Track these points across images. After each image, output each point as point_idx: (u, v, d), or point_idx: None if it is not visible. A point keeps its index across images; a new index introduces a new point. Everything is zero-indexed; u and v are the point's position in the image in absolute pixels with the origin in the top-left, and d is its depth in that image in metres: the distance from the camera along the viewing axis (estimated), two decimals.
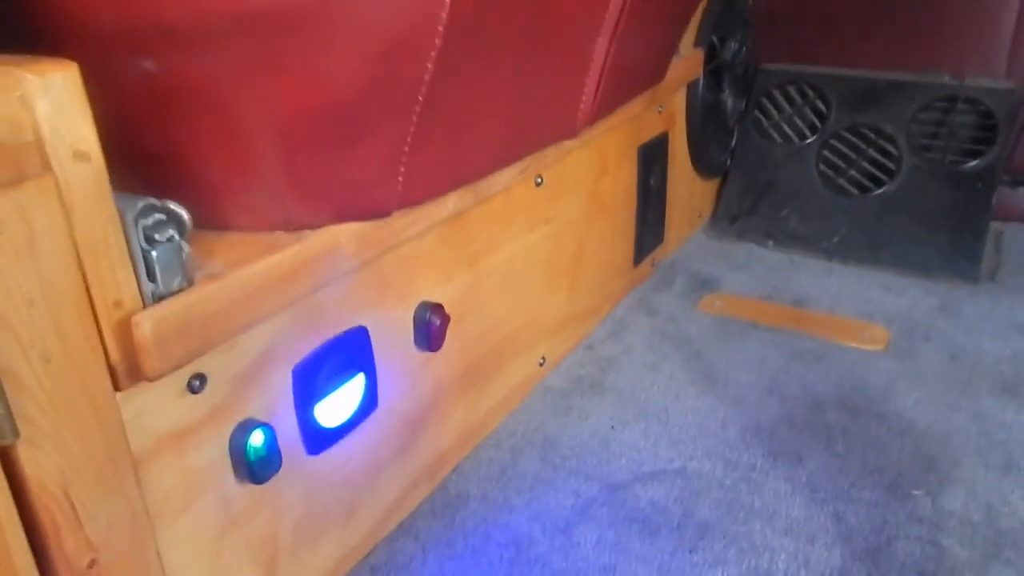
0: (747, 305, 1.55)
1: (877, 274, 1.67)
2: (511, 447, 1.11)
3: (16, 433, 0.50)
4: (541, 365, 1.26)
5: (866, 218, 1.77)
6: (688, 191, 1.82)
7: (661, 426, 1.16)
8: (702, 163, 1.82)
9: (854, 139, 1.83)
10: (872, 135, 1.81)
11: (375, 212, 0.75)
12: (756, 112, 1.92)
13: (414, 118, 0.71)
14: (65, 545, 0.55)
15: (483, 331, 1.08)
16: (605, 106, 1.15)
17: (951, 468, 1.06)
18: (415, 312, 0.92)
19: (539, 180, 1.13)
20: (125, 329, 0.55)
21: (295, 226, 0.70)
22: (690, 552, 0.93)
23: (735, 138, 1.95)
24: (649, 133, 1.52)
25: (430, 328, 0.91)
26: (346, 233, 0.72)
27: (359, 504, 0.89)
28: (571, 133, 1.10)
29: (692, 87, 1.69)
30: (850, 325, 1.46)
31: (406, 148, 0.73)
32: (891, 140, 1.79)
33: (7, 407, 0.49)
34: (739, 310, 1.52)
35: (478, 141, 0.87)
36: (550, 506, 1.00)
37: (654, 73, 1.36)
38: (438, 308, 0.92)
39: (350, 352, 0.82)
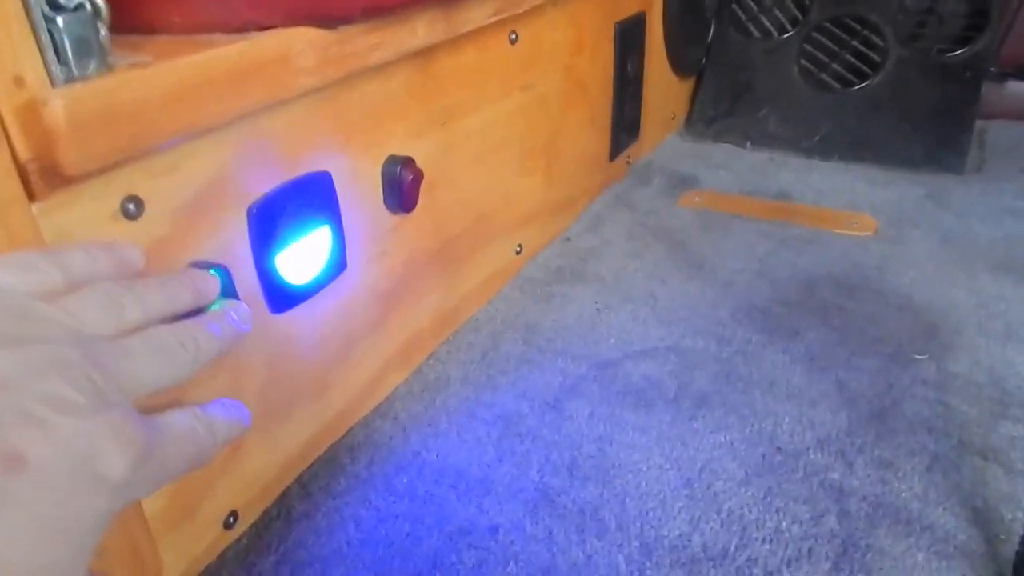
0: (729, 200, 1.49)
1: (861, 169, 1.61)
2: (491, 332, 1.04)
3: None
4: (518, 254, 1.19)
5: (849, 115, 1.71)
6: (664, 89, 1.73)
7: (649, 309, 1.09)
8: (677, 58, 1.73)
9: (837, 31, 1.75)
10: (857, 26, 1.74)
11: (336, 13, 0.65)
12: (733, 5, 1.83)
13: None
14: None
15: (458, 204, 0.99)
16: None
17: (953, 336, 1.01)
18: (383, 167, 0.83)
19: (513, 36, 1.04)
20: (32, 114, 0.46)
21: (239, 26, 0.60)
22: (690, 420, 0.87)
23: (711, 33, 1.86)
24: (627, 9, 1.43)
25: (402, 184, 0.83)
26: (303, 39, 0.63)
27: (331, 378, 0.81)
28: None
29: None
30: (837, 215, 1.41)
31: None
32: (877, 31, 1.71)
33: None
34: (721, 204, 1.46)
35: None
36: (537, 384, 0.93)
37: None
38: (410, 162, 0.84)
39: (313, 199, 0.73)
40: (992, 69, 1.73)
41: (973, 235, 1.29)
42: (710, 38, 1.86)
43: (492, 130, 1.04)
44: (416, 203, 0.86)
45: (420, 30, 0.79)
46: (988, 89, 1.79)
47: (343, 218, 0.77)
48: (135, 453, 0.32)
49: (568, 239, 1.31)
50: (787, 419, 0.86)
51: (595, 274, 1.19)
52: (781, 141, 1.74)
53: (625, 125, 1.52)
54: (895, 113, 1.67)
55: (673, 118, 1.85)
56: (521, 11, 1.01)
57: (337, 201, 0.76)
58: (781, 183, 1.55)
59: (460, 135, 0.97)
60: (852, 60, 1.73)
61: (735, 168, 1.64)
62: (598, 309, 1.09)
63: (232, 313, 0.48)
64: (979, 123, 1.77)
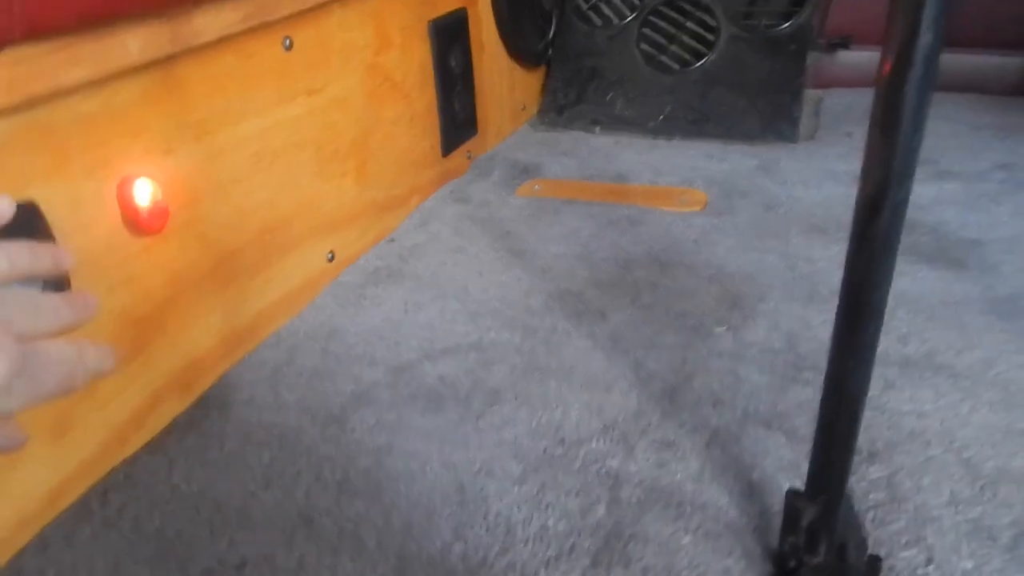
0: (567, 186, 1.47)
1: (701, 145, 1.61)
2: (290, 346, 0.99)
3: None
4: (331, 261, 1.14)
5: (690, 93, 1.71)
6: (507, 82, 1.71)
7: (460, 303, 1.06)
8: (518, 50, 1.71)
9: (673, 14, 1.76)
10: (690, 7, 1.75)
11: None
12: None
13: None
14: None
15: (234, 216, 0.94)
16: None
17: (756, 303, 1.01)
18: (119, 188, 0.78)
19: (287, 42, 1.00)
20: None
21: None
22: (477, 419, 0.83)
23: (553, 24, 1.85)
24: (443, 7, 1.40)
25: (137, 205, 0.77)
26: None
27: (72, 419, 0.75)
28: None
29: None
30: (670, 192, 1.40)
31: None
32: (709, 11, 1.73)
33: None
34: (558, 191, 1.44)
35: None
36: (326, 396, 0.89)
37: None
38: (148, 184, 0.78)
39: (11, 234, 0.67)
40: (821, 41, 1.76)
41: (794, 200, 1.30)
42: (553, 29, 1.85)
43: (272, 137, 0.99)
44: (163, 224, 0.81)
45: (133, 45, 0.74)
46: (822, 60, 1.82)
47: (63, 246, 0.72)
48: (10, 361, 0.35)
49: (393, 239, 1.27)
50: (576, 407, 0.84)
51: (412, 273, 1.15)
52: (628, 123, 1.73)
53: (457, 120, 1.49)
54: (731, 89, 1.68)
55: (524, 109, 1.83)
56: (284, 16, 0.96)
57: (49, 232, 0.70)
58: (621, 165, 1.54)
59: (226, 145, 0.91)
60: (688, 41, 1.74)
61: (579, 154, 1.62)
62: (406, 310, 1.05)
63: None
64: (817, 92, 1.80)
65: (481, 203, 1.39)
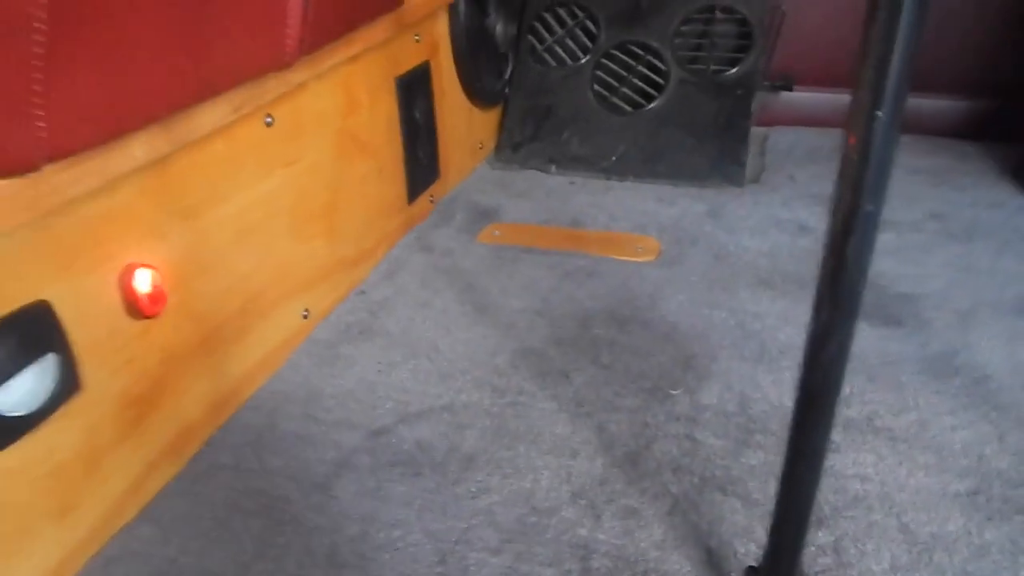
0: (526, 231, 1.53)
1: (652, 187, 1.70)
2: (270, 409, 1.04)
3: None
4: (305, 318, 1.19)
5: (642, 134, 1.79)
6: (465, 122, 1.77)
7: (430, 362, 1.12)
8: (476, 92, 1.77)
9: (624, 57, 1.84)
10: (640, 51, 1.83)
11: (12, 166, 0.64)
12: (529, 36, 1.89)
13: (37, 47, 0.61)
14: None
15: (221, 292, 0.98)
16: (322, 31, 1.06)
17: (709, 363, 1.09)
18: (120, 277, 0.82)
19: (269, 119, 1.04)
20: None
21: None
22: (453, 485, 0.90)
23: (510, 64, 1.91)
24: (408, 63, 1.45)
25: (137, 294, 0.82)
26: None
27: (76, 498, 0.79)
28: (282, 62, 1.00)
29: (453, 14, 1.63)
30: (624, 239, 1.48)
31: (37, 86, 0.62)
32: (658, 55, 1.81)
33: None
34: (517, 237, 1.50)
35: (142, 68, 0.76)
36: (309, 462, 0.94)
37: None
38: (148, 270, 0.83)
39: (28, 331, 0.71)
40: (766, 84, 1.87)
41: (741, 250, 1.39)
42: (509, 70, 1.91)
43: (252, 211, 1.03)
44: (160, 307, 0.85)
45: (137, 151, 0.78)
46: (767, 99, 1.93)
47: (73, 338, 0.76)
48: None
49: (363, 291, 1.32)
50: (546, 474, 0.91)
51: (383, 329, 1.21)
52: (583, 162, 1.80)
53: (422, 167, 1.54)
54: (680, 131, 1.76)
55: (481, 147, 1.89)
56: (270, 99, 1.01)
57: (59, 327, 0.74)
58: (576, 209, 1.61)
59: (212, 225, 0.96)
60: (639, 84, 1.82)
61: (536, 196, 1.69)
62: (380, 370, 1.11)
63: None
64: (763, 129, 1.91)
65: (445, 251, 1.44)
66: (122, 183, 0.80)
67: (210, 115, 0.89)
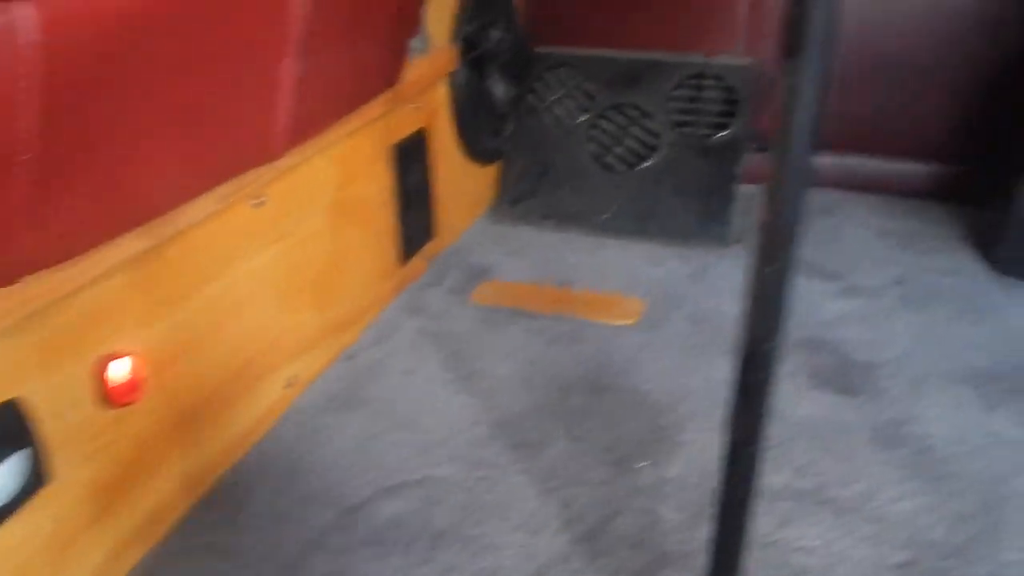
0: (517, 291, 1.57)
1: (642, 246, 1.73)
2: (248, 485, 1.08)
3: None
4: (288, 388, 1.23)
5: (634, 193, 1.84)
6: (461, 181, 1.81)
7: (410, 435, 1.16)
8: (474, 151, 1.83)
9: (619, 118, 1.90)
10: (635, 113, 1.88)
11: None
12: (530, 95, 1.96)
13: (23, 177, 0.66)
14: None
15: (204, 370, 1.03)
16: (311, 124, 1.11)
17: (677, 434, 1.12)
18: (95, 368, 0.87)
19: (260, 201, 1.09)
20: None
21: None
22: (421, 565, 0.93)
23: (510, 123, 1.97)
24: (404, 131, 1.50)
25: (116, 384, 0.87)
26: None
27: None
28: (271, 156, 1.06)
29: (454, 80, 1.69)
30: (609, 301, 1.51)
31: (21, 208, 0.68)
32: (651, 117, 1.87)
33: None
34: (508, 298, 1.54)
35: (132, 181, 0.82)
36: (280, 542, 0.98)
37: (376, 80, 1.34)
38: (126, 360, 0.88)
39: None
40: (753, 145, 1.91)
41: (720, 315, 1.42)
42: (508, 128, 1.97)
43: (240, 287, 1.08)
44: (137, 395, 0.90)
45: (129, 247, 0.83)
46: (755, 159, 1.96)
47: (45, 430, 0.80)
48: None
49: (351, 357, 1.36)
50: (511, 552, 0.94)
51: (368, 398, 1.25)
52: (577, 219, 1.85)
53: (414, 229, 1.59)
54: (671, 191, 1.81)
55: (479, 204, 1.94)
56: (261, 184, 1.06)
57: (27, 426, 0.78)
58: (568, 267, 1.65)
59: (198, 307, 1.00)
60: (633, 144, 1.87)
61: (530, 253, 1.73)
62: (359, 443, 1.15)
63: None
64: (750, 188, 1.93)
65: (436, 314, 1.49)
66: (106, 279, 0.85)
67: (199, 209, 0.95)
